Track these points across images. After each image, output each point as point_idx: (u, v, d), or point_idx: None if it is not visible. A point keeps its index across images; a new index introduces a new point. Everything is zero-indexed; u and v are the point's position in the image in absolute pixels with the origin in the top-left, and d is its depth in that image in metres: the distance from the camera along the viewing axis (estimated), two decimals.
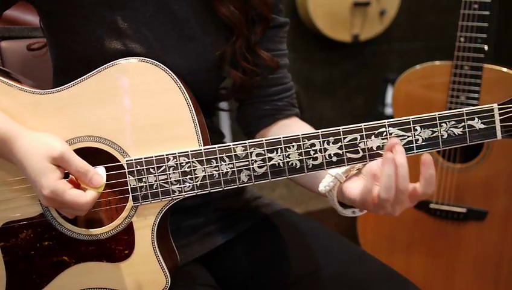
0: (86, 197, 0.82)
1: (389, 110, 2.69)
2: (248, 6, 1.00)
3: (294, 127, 1.08)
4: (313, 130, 0.91)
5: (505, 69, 1.68)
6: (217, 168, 0.87)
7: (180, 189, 0.87)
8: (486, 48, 1.65)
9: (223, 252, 1.10)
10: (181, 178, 0.87)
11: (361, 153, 0.85)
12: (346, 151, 0.85)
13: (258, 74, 1.04)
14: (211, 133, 0.93)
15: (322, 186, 0.89)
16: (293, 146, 0.85)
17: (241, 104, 1.12)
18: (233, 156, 0.86)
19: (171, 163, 0.87)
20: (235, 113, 1.14)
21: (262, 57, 1.03)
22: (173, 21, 0.97)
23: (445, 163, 1.77)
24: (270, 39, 1.06)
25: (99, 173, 0.84)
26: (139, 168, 0.87)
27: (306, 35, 2.74)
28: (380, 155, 0.85)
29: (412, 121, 0.84)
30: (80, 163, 0.83)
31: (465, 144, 0.86)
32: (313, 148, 0.85)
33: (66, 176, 0.85)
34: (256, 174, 0.87)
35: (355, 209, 0.90)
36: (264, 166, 0.86)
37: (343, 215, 0.90)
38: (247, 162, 0.86)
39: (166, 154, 0.87)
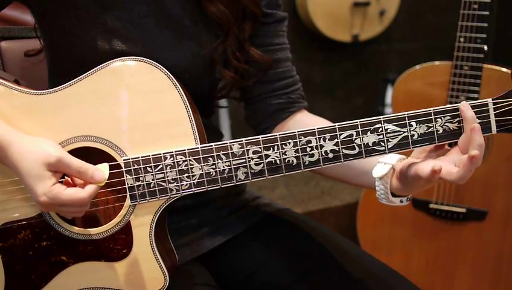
0: (83, 191, 0.82)
1: (388, 110, 2.69)
2: (236, 4, 1.00)
3: (311, 119, 1.08)
4: (329, 123, 0.92)
5: (504, 69, 1.68)
6: (213, 166, 0.87)
7: (177, 187, 0.87)
8: (485, 48, 1.65)
9: (223, 252, 1.10)
10: (178, 176, 0.87)
11: (357, 149, 0.86)
12: (342, 148, 0.86)
13: (250, 73, 1.04)
14: (209, 132, 0.93)
15: (376, 174, 0.89)
16: (289, 143, 0.85)
17: (248, 101, 1.10)
18: (230, 153, 0.86)
19: (168, 161, 0.87)
20: (234, 114, 1.13)
21: (252, 55, 1.02)
22: (167, 20, 0.97)
23: None
24: (271, 34, 1.06)
25: (99, 168, 0.84)
26: (136, 167, 0.87)
27: (306, 35, 2.73)
28: (377, 151, 0.85)
29: (408, 116, 0.85)
30: (79, 163, 0.83)
31: None
32: (309, 145, 0.85)
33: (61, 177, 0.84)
34: (253, 171, 0.87)
35: (403, 198, 0.91)
36: (260, 163, 0.86)
37: (390, 204, 0.91)
38: (244, 160, 0.86)
39: (163, 153, 0.87)
